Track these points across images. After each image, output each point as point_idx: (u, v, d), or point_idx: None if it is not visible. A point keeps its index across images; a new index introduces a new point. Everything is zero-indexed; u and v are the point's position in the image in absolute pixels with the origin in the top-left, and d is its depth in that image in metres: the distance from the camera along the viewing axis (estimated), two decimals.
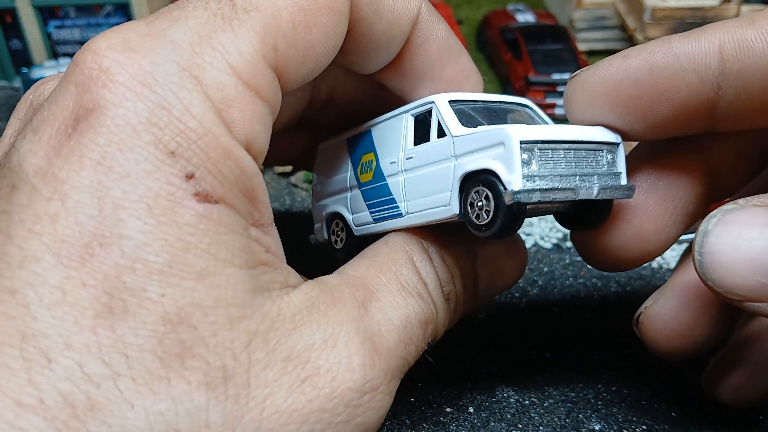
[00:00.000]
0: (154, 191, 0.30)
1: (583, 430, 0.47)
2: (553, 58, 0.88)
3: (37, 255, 0.29)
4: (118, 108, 0.30)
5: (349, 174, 0.47)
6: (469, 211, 0.38)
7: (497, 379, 0.52)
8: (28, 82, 0.85)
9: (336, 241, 0.49)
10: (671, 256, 0.67)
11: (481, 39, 1.03)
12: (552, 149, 0.36)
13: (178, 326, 0.30)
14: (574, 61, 0.88)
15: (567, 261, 0.67)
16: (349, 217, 0.47)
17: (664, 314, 0.44)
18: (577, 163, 0.38)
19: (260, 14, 0.34)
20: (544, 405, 0.50)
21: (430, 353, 0.41)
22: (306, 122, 0.52)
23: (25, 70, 0.88)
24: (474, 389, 0.51)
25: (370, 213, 0.45)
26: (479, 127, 0.39)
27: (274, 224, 0.36)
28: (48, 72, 0.85)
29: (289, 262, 0.37)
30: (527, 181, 0.35)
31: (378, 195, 0.44)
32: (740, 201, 0.34)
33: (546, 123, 0.44)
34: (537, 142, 0.36)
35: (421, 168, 0.41)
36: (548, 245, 0.69)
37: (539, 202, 0.36)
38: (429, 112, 0.41)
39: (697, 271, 0.34)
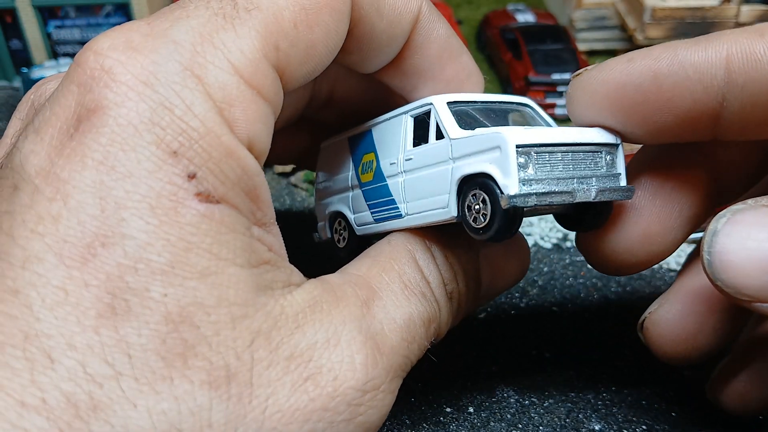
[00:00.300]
0: (156, 191, 0.30)
1: (583, 430, 0.47)
2: (553, 58, 0.88)
3: (40, 255, 0.29)
4: (120, 108, 0.30)
5: (350, 173, 0.47)
6: (467, 214, 0.38)
7: (497, 379, 0.52)
8: (28, 82, 0.85)
9: (339, 240, 0.49)
10: (671, 256, 0.67)
11: (481, 39, 1.04)
12: (549, 152, 0.36)
13: (180, 326, 0.30)
14: (574, 61, 0.88)
15: (567, 261, 0.67)
16: (350, 216, 0.47)
17: (669, 319, 0.44)
18: (574, 166, 0.37)
19: (262, 13, 0.34)
20: (544, 405, 0.50)
21: (433, 352, 0.41)
22: (307, 121, 0.52)
23: (25, 70, 0.88)
24: (474, 389, 0.51)
25: (371, 213, 0.45)
26: (477, 129, 0.39)
27: (276, 223, 0.36)
28: (48, 72, 0.85)
29: (290, 262, 0.37)
30: (524, 185, 0.35)
31: (378, 195, 0.44)
32: (749, 201, 0.34)
33: (547, 123, 0.44)
34: (534, 145, 0.36)
35: (420, 170, 0.41)
36: (548, 245, 0.69)
37: (536, 206, 0.36)
38: (428, 114, 0.41)
39: (705, 271, 0.34)
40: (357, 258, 0.41)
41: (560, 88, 0.87)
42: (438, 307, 0.40)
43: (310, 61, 0.36)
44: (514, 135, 0.35)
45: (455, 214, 0.39)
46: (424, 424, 0.48)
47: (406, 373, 0.38)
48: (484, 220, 0.37)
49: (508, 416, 0.49)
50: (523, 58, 0.89)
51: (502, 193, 0.35)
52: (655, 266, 0.66)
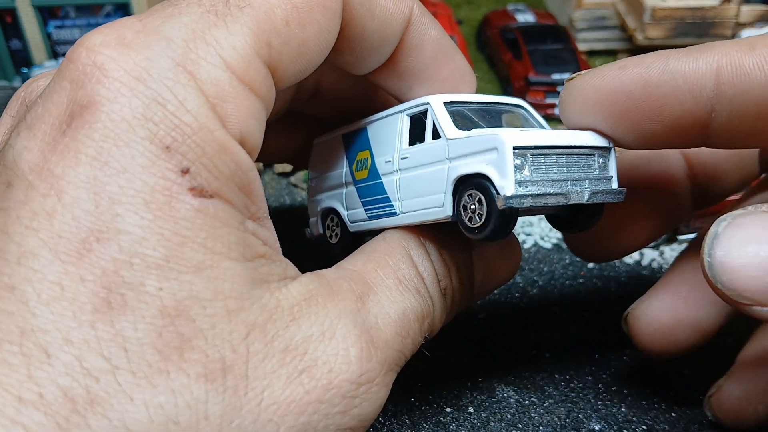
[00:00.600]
0: (150, 186, 0.30)
1: (583, 430, 0.47)
2: (553, 58, 0.88)
3: (35, 251, 0.29)
4: (113, 104, 0.30)
5: (344, 170, 0.47)
6: (462, 213, 0.38)
7: (497, 379, 0.52)
8: None
9: (331, 236, 0.49)
10: (671, 256, 0.67)
11: (481, 39, 1.03)
12: (544, 154, 0.37)
13: (176, 319, 0.30)
14: (574, 61, 0.88)
15: (567, 261, 0.67)
16: (344, 213, 0.47)
17: (648, 314, 0.47)
18: (568, 168, 0.38)
19: (253, 11, 0.34)
20: (544, 405, 0.49)
21: (427, 348, 0.41)
22: (301, 117, 0.52)
23: (25, 70, 0.88)
24: (474, 389, 0.51)
25: (365, 210, 0.45)
26: (474, 130, 0.40)
27: (269, 218, 0.36)
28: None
29: (288, 258, 0.37)
30: (519, 186, 0.36)
31: (373, 193, 0.44)
32: (749, 207, 0.34)
33: (540, 125, 0.45)
34: (530, 147, 0.36)
35: (415, 168, 0.41)
36: (548, 245, 0.69)
37: (531, 207, 0.36)
38: (424, 113, 0.41)
39: (705, 275, 0.34)
40: (352, 254, 0.41)
41: (560, 88, 0.86)
42: (432, 303, 0.40)
43: (302, 58, 0.36)
44: (511, 137, 0.36)
45: (450, 214, 0.39)
46: (424, 424, 0.47)
47: (400, 368, 0.38)
48: (480, 220, 0.37)
49: (508, 416, 0.48)
50: (523, 58, 0.89)
51: (498, 193, 0.36)
52: (656, 266, 0.66)
